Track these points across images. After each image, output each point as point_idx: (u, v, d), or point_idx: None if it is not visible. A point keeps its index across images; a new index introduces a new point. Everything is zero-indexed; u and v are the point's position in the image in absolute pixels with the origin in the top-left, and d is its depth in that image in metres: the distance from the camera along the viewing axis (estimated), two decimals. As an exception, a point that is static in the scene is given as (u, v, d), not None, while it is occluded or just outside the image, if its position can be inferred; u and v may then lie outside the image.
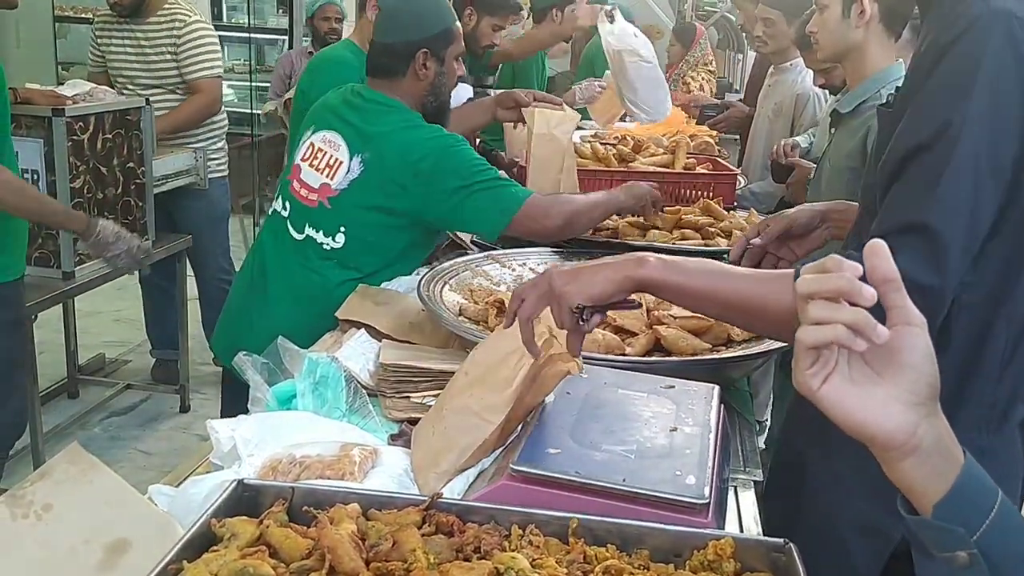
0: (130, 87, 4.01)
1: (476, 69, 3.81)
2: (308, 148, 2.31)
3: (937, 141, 1.17)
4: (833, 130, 2.79)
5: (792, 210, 1.80)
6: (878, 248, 0.70)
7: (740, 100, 4.64)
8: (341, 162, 2.23)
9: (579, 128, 4.72)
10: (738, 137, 3.83)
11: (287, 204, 2.34)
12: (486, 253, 2.34)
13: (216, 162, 4.21)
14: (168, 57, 3.99)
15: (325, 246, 2.26)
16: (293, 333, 1.76)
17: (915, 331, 0.71)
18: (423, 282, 1.99)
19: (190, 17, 3.97)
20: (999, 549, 0.70)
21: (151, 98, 3.67)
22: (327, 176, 2.24)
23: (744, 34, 6.41)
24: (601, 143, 3.69)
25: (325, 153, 2.26)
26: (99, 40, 4.07)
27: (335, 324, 2.01)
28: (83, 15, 6.66)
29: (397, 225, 2.24)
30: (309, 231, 2.28)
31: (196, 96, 4.02)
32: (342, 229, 2.24)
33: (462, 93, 3.62)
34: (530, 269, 2.30)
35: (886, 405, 0.71)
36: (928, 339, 0.71)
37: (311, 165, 2.28)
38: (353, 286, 2.13)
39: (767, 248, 1.73)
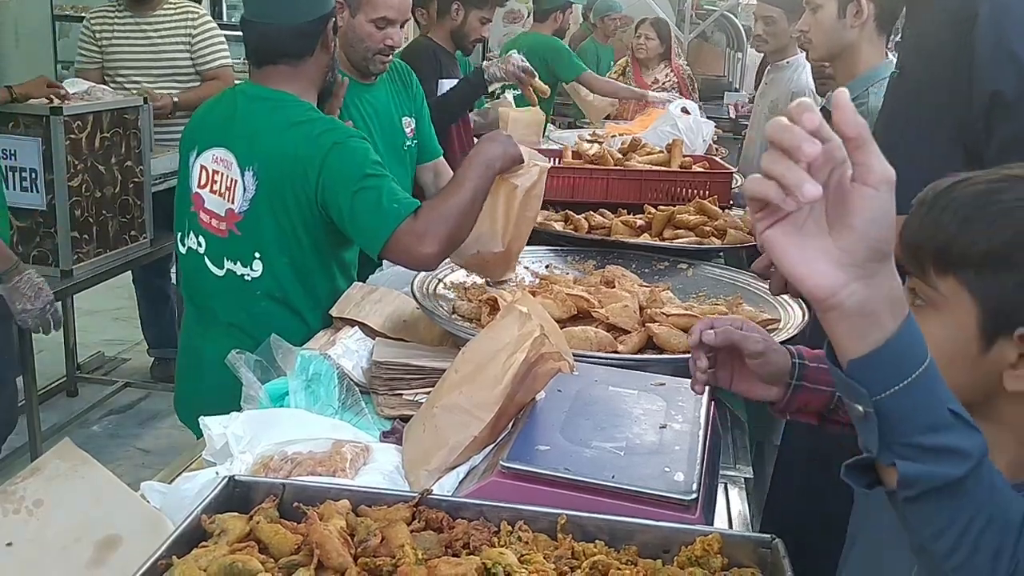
0: (136, 79, 4.02)
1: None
2: (201, 172, 2.06)
3: None
4: None
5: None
6: (841, 100, 0.69)
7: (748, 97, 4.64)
8: (236, 181, 2.01)
9: (576, 128, 4.76)
10: (734, 135, 3.84)
11: (200, 239, 2.09)
12: (481, 251, 2.35)
13: None
14: (182, 47, 4.02)
15: (246, 277, 2.04)
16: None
17: (867, 192, 0.69)
18: (417, 280, 1.99)
19: (201, 10, 4.02)
20: (899, 414, 0.73)
21: (160, 88, 3.67)
22: (228, 200, 2.02)
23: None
24: (598, 142, 3.71)
25: (220, 174, 2.04)
26: (98, 34, 4.08)
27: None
28: (83, 14, 6.67)
29: (310, 241, 2.03)
30: (228, 264, 2.05)
31: (215, 82, 4.05)
32: (256, 255, 2.03)
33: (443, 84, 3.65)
34: (525, 267, 2.31)
35: (817, 259, 0.71)
36: (884, 203, 0.69)
37: (211, 190, 2.05)
38: (298, 326, 2.01)
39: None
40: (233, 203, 2.01)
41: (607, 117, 5.36)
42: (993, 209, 0.88)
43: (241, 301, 2.06)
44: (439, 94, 3.50)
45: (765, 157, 0.71)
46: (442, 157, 3.07)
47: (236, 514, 1.11)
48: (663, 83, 5.64)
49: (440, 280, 2.09)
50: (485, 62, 3.48)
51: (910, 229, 0.93)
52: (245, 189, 1.99)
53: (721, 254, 2.70)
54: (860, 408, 0.74)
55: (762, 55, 4.47)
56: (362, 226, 1.92)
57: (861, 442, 0.76)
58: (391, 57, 2.72)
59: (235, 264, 2.04)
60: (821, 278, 0.71)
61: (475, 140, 3.73)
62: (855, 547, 0.97)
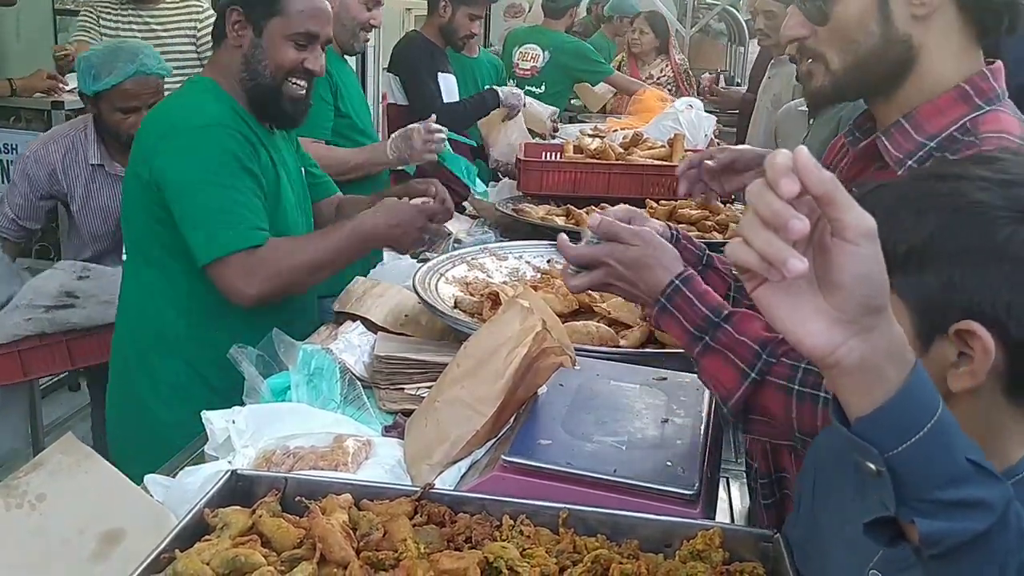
0: None
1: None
2: None
3: None
4: (811, 120, 2.82)
5: (743, 146, 1.81)
6: (801, 160, 0.64)
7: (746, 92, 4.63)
8: None
9: (579, 122, 4.75)
10: (735, 129, 3.83)
11: None
12: (482, 246, 2.35)
13: None
14: (187, 41, 4.01)
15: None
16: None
17: (847, 248, 0.66)
18: (419, 275, 1.99)
19: (205, 3, 4.01)
20: (914, 470, 0.69)
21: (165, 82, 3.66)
22: None
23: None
24: (599, 136, 3.71)
25: None
26: (102, 21, 4.06)
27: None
28: (83, 8, 6.67)
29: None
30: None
31: None
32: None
33: (449, 84, 3.65)
34: (527, 262, 2.31)
35: (810, 318, 0.69)
36: (868, 257, 0.66)
37: None
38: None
39: (702, 177, 1.74)
40: None
41: (603, 109, 5.35)
42: (912, 208, 0.84)
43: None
44: (447, 101, 3.51)
45: (744, 222, 0.68)
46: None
47: (239, 508, 1.12)
48: (658, 78, 5.61)
49: (442, 275, 2.09)
50: (503, 88, 3.49)
51: (896, 234, 0.90)
52: None
53: (722, 249, 2.69)
54: (872, 467, 0.70)
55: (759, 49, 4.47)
56: (199, 230, 1.78)
57: (877, 499, 0.72)
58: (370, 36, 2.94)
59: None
60: (816, 338, 0.69)
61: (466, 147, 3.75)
62: (800, 550, 0.96)
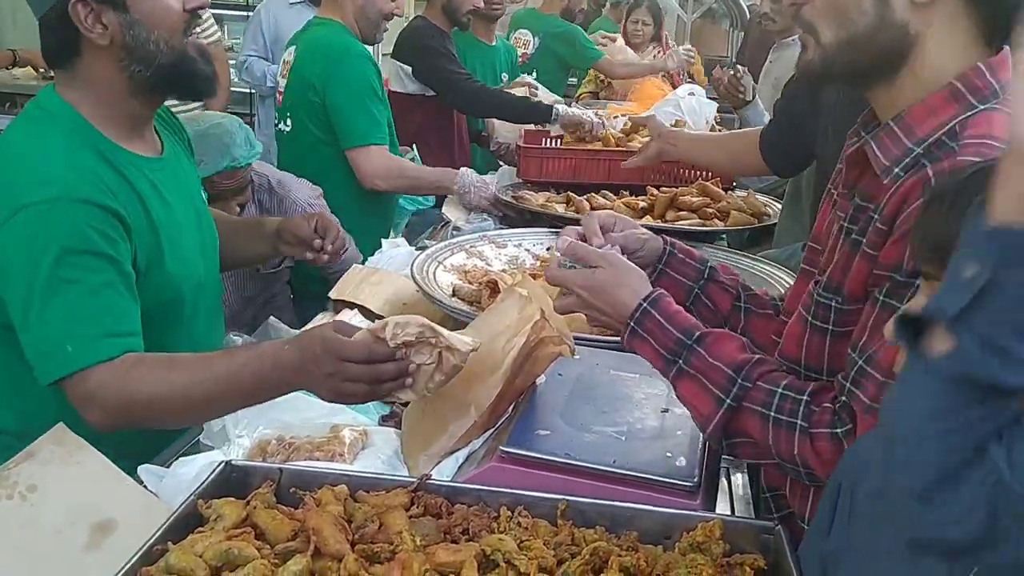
0: None
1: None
2: None
3: None
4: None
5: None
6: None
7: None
8: None
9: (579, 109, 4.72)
10: (736, 116, 3.80)
11: None
12: (481, 234, 2.33)
13: None
14: None
15: None
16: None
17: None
18: (417, 263, 1.97)
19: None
20: (1013, 300, 0.64)
21: None
22: None
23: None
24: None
25: None
26: None
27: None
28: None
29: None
30: None
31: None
32: None
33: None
34: (526, 250, 2.29)
35: None
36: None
37: None
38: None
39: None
40: None
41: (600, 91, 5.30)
42: None
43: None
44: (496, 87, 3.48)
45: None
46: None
47: (232, 499, 1.10)
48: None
49: (440, 263, 2.07)
50: (563, 107, 3.26)
51: (930, 227, 0.86)
52: None
53: (724, 236, 2.68)
54: (970, 271, 0.64)
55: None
56: (35, 343, 1.34)
57: (934, 303, 0.66)
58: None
59: None
60: None
61: (468, 134, 3.72)
62: (841, 568, 0.93)
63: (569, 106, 3.41)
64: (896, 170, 1.06)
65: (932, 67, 1.08)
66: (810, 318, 1.17)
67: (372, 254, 2.36)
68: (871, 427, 0.99)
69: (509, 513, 1.12)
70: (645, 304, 1.19)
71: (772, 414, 1.09)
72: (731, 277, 1.45)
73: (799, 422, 1.07)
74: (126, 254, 1.40)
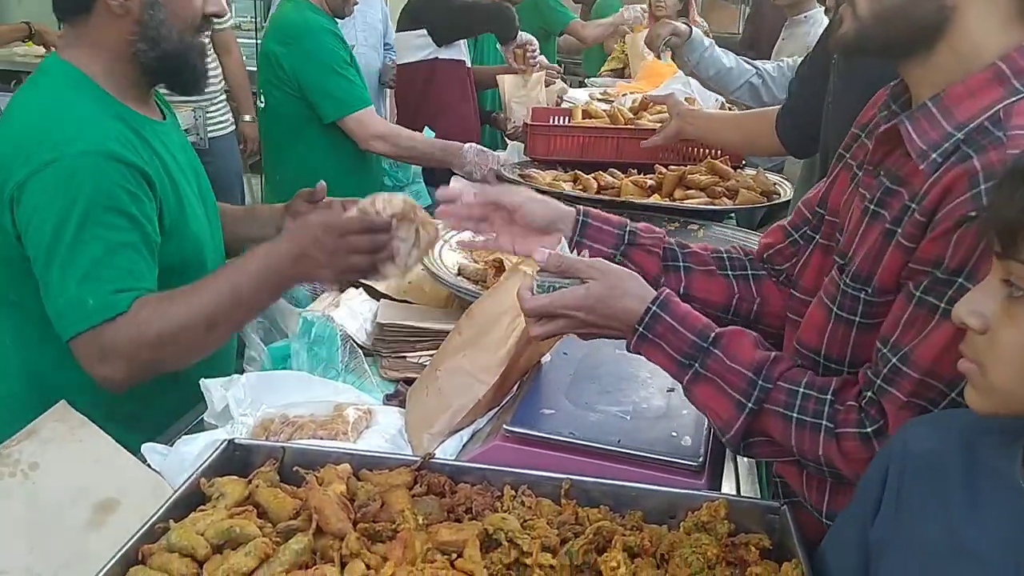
0: None
1: None
2: None
3: None
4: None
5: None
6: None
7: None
8: None
9: (585, 87, 4.68)
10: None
11: None
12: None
13: (217, 120, 4.12)
14: None
15: None
16: None
17: None
18: (422, 241, 1.96)
19: None
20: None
21: None
22: None
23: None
24: (608, 101, 3.65)
25: None
26: None
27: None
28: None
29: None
30: None
31: (229, 55, 4.02)
32: None
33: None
34: (532, 228, 2.27)
35: None
36: None
37: None
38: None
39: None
40: None
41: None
42: None
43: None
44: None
45: None
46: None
47: (235, 478, 1.10)
48: None
49: (446, 241, 2.05)
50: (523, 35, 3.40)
51: (1001, 206, 0.81)
52: None
53: (733, 215, 2.65)
54: None
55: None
56: (55, 298, 1.35)
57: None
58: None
59: None
60: None
61: (478, 113, 3.69)
62: (887, 557, 0.91)
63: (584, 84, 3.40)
64: (934, 155, 1.00)
65: (971, 43, 1.02)
66: (835, 308, 1.11)
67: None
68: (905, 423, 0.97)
69: (513, 492, 1.11)
70: (654, 308, 1.12)
71: (795, 415, 1.05)
72: (654, 237, 1.36)
73: (824, 423, 1.03)
74: (151, 212, 1.42)
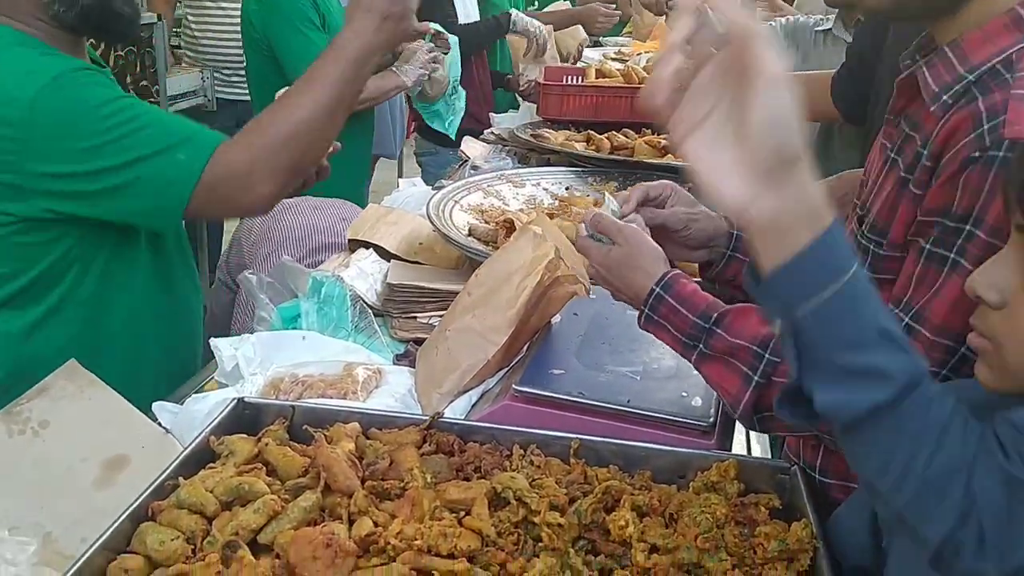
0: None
1: None
2: None
3: None
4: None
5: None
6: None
7: None
8: None
9: (599, 46, 4.62)
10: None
11: None
12: (499, 172, 2.29)
13: (225, 83, 4.05)
14: None
15: None
16: None
17: (757, 93, 0.66)
18: (433, 202, 1.95)
19: None
20: (817, 329, 0.69)
21: None
22: None
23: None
24: (623, 60, 3.60)
25: None
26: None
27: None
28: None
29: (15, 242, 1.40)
30: None
31: None
32: None
33: (467, 6, 3.51)
34: (544, 189, 2.25)
35: (728, 173, 0.68)
36: (777, 101, 0.66)
37: None
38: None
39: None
40: None
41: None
42: None
43: None
44: (462, 22, 3.41)
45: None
46: None
47: (244, 436, 1.10)
48: None
49: (457, 202, 2.04)
50: (519, 13, 3.38)
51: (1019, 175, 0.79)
52: None
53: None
54: (779, 327, 0.70)
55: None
56: (133, 205, 1.37)
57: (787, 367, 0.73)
58: None
59: None
60: (733, 191, 0.68)
61: (489, 75, 3.65)
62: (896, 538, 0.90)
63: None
64: (945, 97, 0.99)
65: None
66: None
67: (388, 194, 2.33)
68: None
69: (521, 451, 1.11)
70: (658, 289, 1.13)
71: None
72: None
73: None
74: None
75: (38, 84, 1.32)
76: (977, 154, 0.91)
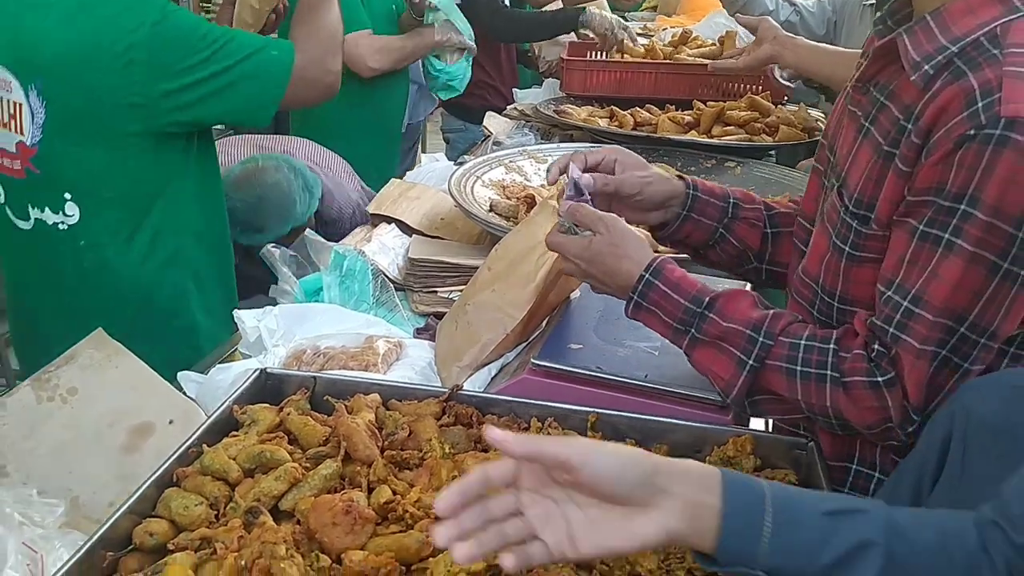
0: None
1: None
2: None
3: None
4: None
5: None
6: (492, 437, 0.74)
7: None
8: (20, 104, 1.52)
9: (626, 21, 4.58)
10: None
11: None
12: (521, 148, 2.29)
13: None
14: None
15: (60, 226, 1.58)
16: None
17: (583, 479, 0.71)
18: (454, 178, 1.95)
19: None
20: (787, 561, 0.71)
21: None
22: (15, 130, 1.53)
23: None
24: (647, 35, 3.57)
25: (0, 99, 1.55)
26: None
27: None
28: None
29: (139, 164, 1.57)
30: (35, 213, 1.58)
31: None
32: (67, 196, 1.56)
33: None
34: (566, 165, 2.25)
35: (619, 531, 0.72)
36: (604, 468, 0.71)
37: None
38: (155, 268, 1.65)
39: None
40: (23, 134, 1.53)
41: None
42: None
43: (61, 257, 1.60)
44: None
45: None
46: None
47: (267, 406, 1.12)
48: None
49: (479, 178, 2.04)
50: (595, 12, 3.22)
51: None
52: (33, 113, 1.51)
53: (773, 152, 2.60)
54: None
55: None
56: (242, 104, 1.59)
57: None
58: None
59: (43, 212, 1.58)
60: (640, 539, 0.72)
61: (514, 51, 3.62)
62: None
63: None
64: (926, 67, 0.97)
65: None
66: (833, 236, 1.08)
67: (410, 169, 2.34)
68: (924, 373, 0.94)
69: (539, 424, 1.12)
70: (647, 275, 1.11)
71: (799, 368, 1.02)
72: (754, 208, 1.33)
73: (829, 372, 1.00)
74: None
75: (155, 11, 1.50)
76: (972, 132, 0.89)
